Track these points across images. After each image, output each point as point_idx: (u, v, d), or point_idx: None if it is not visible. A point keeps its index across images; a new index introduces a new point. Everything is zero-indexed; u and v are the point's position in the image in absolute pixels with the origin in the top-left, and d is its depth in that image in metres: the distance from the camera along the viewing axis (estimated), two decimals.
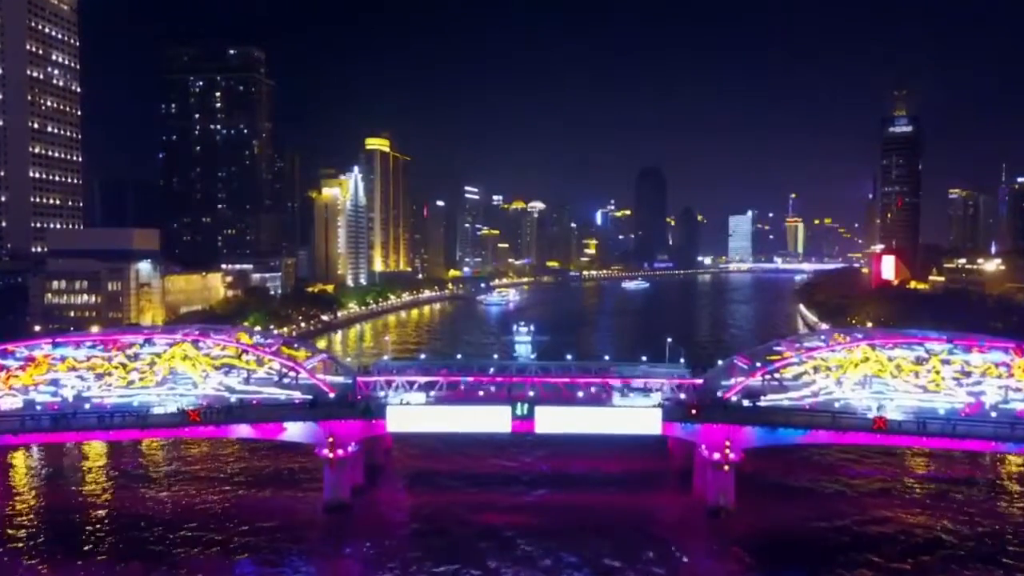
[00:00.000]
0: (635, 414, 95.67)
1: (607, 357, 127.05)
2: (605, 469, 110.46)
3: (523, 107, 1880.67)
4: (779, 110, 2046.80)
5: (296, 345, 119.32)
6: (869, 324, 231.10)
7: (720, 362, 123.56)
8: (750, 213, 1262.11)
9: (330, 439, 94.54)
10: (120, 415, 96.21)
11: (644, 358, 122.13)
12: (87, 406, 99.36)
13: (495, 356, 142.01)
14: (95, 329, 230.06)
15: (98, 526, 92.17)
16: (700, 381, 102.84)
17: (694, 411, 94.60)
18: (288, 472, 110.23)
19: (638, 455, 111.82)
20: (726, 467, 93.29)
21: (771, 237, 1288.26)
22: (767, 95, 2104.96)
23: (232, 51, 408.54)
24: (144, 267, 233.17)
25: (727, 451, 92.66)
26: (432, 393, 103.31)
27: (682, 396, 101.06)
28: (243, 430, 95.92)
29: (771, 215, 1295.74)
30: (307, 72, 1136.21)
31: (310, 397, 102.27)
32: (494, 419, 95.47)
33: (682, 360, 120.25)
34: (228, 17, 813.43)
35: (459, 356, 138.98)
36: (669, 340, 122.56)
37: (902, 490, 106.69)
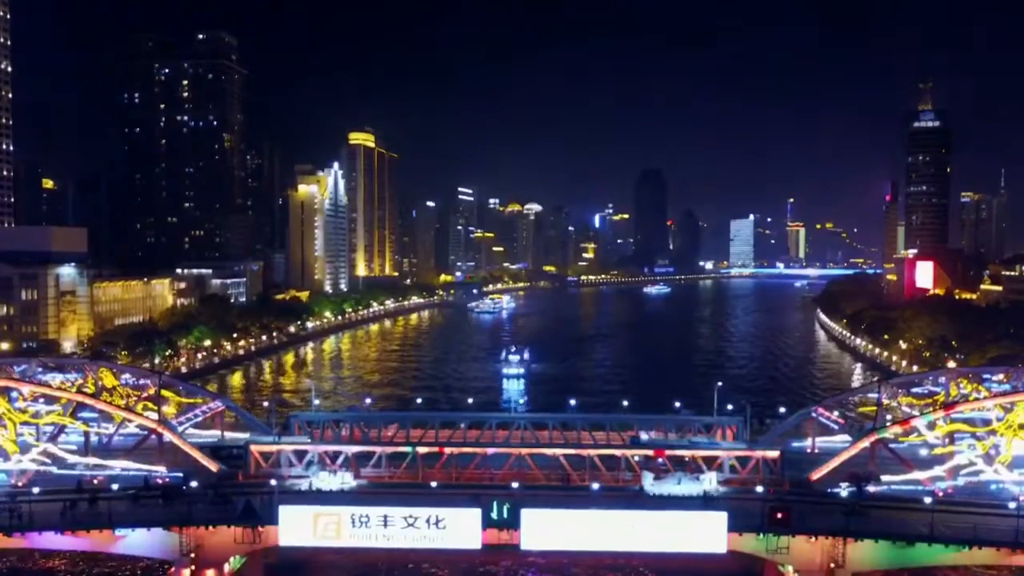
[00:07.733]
0: (683, 521, 59.46)
1: (626, 403, 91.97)
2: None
3: (520, 107, 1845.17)
4: (781, 112, 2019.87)
5: (182, 389, 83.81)
6: (921, 342, 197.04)
7: (782, 410, 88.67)
8: (752, 217, 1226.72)
9: (191, 554, 59.14)
10: None
11: (678, 404, 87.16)
12: None
13: (470, 398, 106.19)
14: (4, 346, 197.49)
15: None
16: (776, 454, 67.29)
17: (781, 514, 58.24)
18: None
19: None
20: None
21: (772, 242, 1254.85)
22: (768, 97, 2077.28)
23: (200, 36, 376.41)
24: (67, 272, 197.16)
25: None
26: (366, 470, 67.87)
27: (758, 488, 63.90)
28: (50, 540, 60.28)
29: (769, 219, 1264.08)
30: (285, 60, 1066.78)
31: (179, 475, 66.90)
32: (454, 528, 59.29)
33: (730, 406, 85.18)
34: None
35: (419, 400, 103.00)
36: (719, 384, 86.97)
37: None
